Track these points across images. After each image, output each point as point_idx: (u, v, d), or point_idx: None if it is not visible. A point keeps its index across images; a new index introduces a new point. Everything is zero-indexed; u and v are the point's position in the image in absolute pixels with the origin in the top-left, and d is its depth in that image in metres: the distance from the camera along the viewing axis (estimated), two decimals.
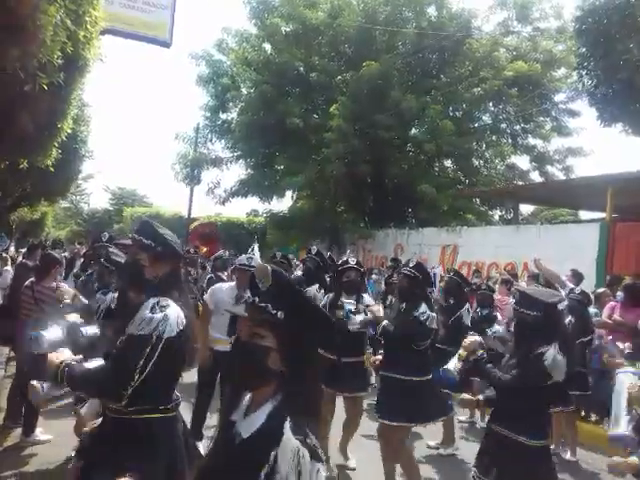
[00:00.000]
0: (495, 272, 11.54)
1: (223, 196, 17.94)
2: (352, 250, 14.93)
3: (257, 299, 1.45)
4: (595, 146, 35.60)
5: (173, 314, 2.23)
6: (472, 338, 3.55)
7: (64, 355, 2.33)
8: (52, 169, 7.51)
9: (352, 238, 16.39)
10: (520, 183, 16.75)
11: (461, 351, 3.64)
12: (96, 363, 2.38)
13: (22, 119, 5.17)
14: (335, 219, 16.55)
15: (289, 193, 18.07)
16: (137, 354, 2.15)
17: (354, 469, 4.99)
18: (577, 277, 7.95)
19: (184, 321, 2.26)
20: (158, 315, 2.20)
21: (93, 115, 21.22)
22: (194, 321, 2.47)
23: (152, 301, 2.25)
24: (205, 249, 15.85)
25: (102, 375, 2.25)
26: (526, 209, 23.98)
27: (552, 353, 3.08)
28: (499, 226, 14.77)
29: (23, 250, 13.77)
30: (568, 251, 9.80)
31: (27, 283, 5.17)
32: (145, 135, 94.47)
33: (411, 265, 4.43)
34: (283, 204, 19.26)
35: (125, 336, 2.23)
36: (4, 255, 9.59)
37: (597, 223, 10.65)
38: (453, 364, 3.83)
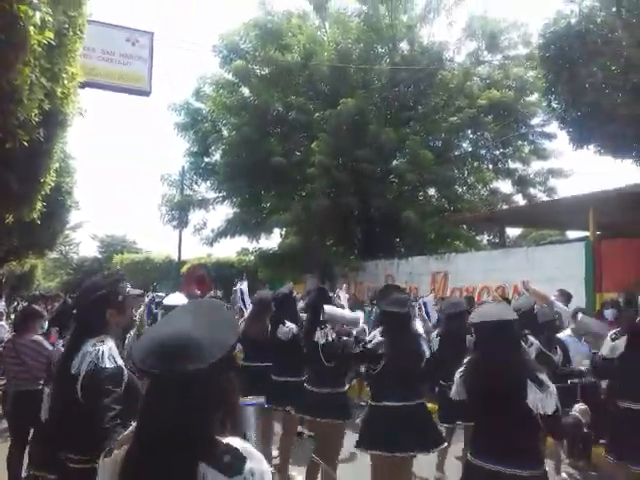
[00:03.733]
0: (487, 297, 11.58)
1: (211, 237, 17.99)
2: (341, 283, 14.96)
3: None
4: (577, 167, 36.12)
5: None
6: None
7: None
8: (38, 222, 7.56)
9: (343, 271, 16.41)
10: (504, 207, 16.96)
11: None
12: None
13: (5, 175, 5.23)
14: (325, 253, 16.60)
15: (277, 230, 18.17)
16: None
17: None
18: (565, 296, 7.99)
19: None
20: None
21: (78, 166, 21.43)
22: None
23: None
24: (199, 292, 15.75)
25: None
26: (514, 232, 24.24)
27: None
28: (487, 251, 14.86)
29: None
30: (556, 271, 9.87)
31: (9, 337, 5.14)
32: (132, 182, 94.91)
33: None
34: (272, 241, 19.32)
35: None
36: None
37: (582, 242, 10.77)
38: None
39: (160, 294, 11.41)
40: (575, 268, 9.98)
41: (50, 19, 3.51)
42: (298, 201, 15.83)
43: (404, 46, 17.08)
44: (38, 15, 3.29)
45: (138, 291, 7.12)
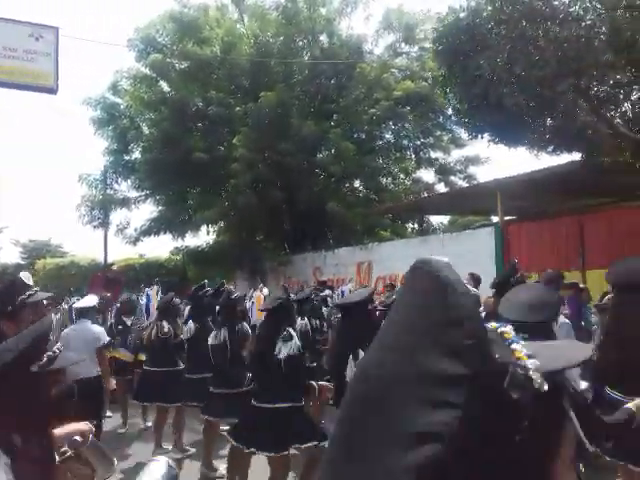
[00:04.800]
0: None
1: (134, 236, 17.54)
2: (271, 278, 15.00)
3: None
4: (492, 154, 37.42)
5: None
6: None
7: None
8: None
9: (272, 266, 16.43)
10: (424, 195, 17.42)
11: None
12: None
13: None
14: (255, 248, 16.55)
15: (204, 227, 17.92)
16: None
17: None
18: (475, 280, 8.37)
19: None
20: None
21: None
22: None
23: None
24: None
25: None
26: (439, 219, 24.84)
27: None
28: (406, 239, 15.25)
29: None
30: (469, 256, 10.24)
31: None
32: (53, 184, 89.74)
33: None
34: (200, 239, 19.02)
35: None
36: None
37: (491, 227, 11.25)
38: None
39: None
40: (486, 252, 10.43)
41: None
42: (224, 197, 15.68)
43: (324, 39, 17.17)
44: None
45: (46, 294, 6.89)
